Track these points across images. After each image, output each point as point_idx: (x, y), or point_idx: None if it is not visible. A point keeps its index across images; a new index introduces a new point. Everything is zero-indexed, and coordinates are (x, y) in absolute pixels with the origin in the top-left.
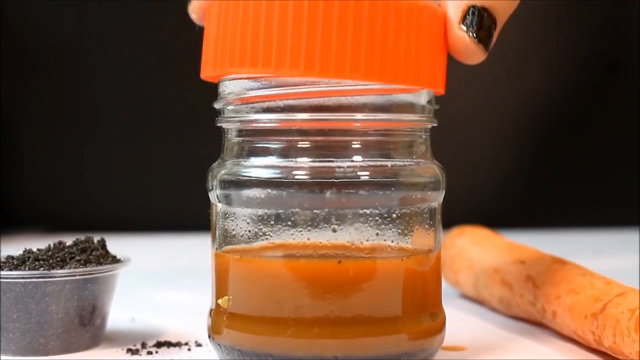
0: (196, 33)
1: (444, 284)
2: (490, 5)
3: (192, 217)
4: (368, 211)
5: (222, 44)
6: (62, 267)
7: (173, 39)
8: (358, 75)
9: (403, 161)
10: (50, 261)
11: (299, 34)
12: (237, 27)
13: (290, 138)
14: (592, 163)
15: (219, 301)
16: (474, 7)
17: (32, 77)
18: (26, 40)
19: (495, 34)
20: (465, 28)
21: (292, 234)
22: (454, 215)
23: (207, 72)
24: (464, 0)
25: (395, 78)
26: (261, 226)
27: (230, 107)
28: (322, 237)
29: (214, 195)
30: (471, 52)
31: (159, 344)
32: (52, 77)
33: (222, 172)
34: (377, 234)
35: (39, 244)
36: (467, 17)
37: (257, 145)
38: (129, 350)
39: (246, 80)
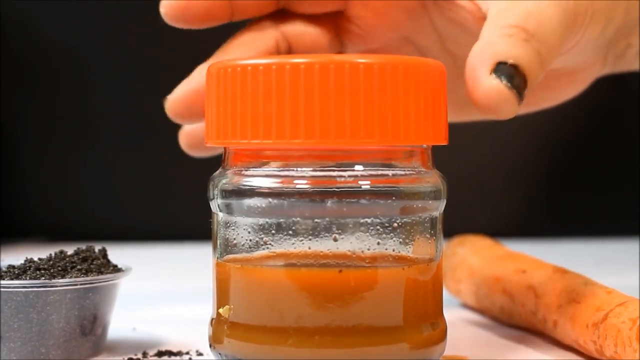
0: (196, 43)
1: (445, 293)
2: (521, 63)
3: (193, 227)
4: (369, 220)
5: (223, 115)
6: (63, 277)
7: (172, 49)
8: (358, 141)
9: (404, 170)
10: (52, 270)
11: (296, 102)
12: (235, 99)
13: (291, 147)
14: (593, 173)
15: (220, 310)
16: (504, 62)
17: (31, 88)
18: (25, 52)
19: (525, 96)
20: (496, 76)
21: (293, 243)
22: (455, 224)
23: (211, 143)
24: (491, 56)
25: (395, 138)
26: (262, 235)
27: None
28: (323, 246)
29: (215, 204)
30: (504, 100)
31: (160, 354)
32: (52, 87)
33: (223, 181)
34: (378, 243)
35: (40, 253)
36: (498, 68)
37: (258, 154)
38: (130, 359)
39: None
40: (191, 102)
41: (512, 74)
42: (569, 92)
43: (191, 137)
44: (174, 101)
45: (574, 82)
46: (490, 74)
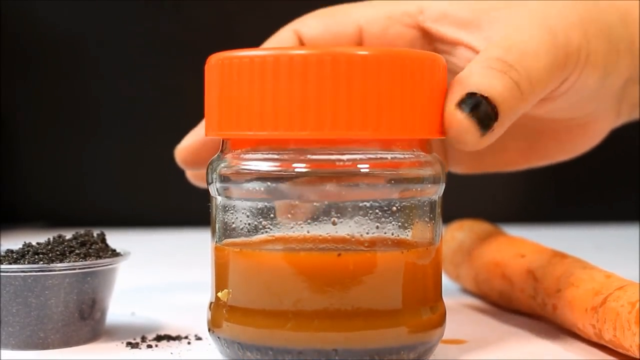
0: (196, 33)
1: (444, 278)
2: (492, 94)
3: (192, 211)
4: (368, 204)
5: (221, 107)
6: (61, 261)
7: (172, 37)
8: (353, 133)
9: (403, 154)
10: (50, 255)
11: (292, 94)
12: (234, 91)
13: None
14: (593, 158)
15: (219, 294)
16: (474, 93)
17: (31, 76)
18: (25, 40)
19: (497, 127)
20: (460, 106)
21: (292, 227)
22: (454, 209)
23: (211, 134)
24: (464, 87)
25: (391, 131)
26: (261, 219)
27: None
28: (322, 230)
29: (214, 188)
30: (465, 131)
31: (159, 338)
32: (52, 75)
33: (222, 165)
34: (377, 227)
35: (38, 238)
36: (466, 99)
37: (256, 137)
38: (128, 344)
39: None
40: (198, 152)
41: (478, 105)
42: (584, 144)
43: (198, 174)
44: (182, 150)
45: (588, 134)
46: (457, 104)
